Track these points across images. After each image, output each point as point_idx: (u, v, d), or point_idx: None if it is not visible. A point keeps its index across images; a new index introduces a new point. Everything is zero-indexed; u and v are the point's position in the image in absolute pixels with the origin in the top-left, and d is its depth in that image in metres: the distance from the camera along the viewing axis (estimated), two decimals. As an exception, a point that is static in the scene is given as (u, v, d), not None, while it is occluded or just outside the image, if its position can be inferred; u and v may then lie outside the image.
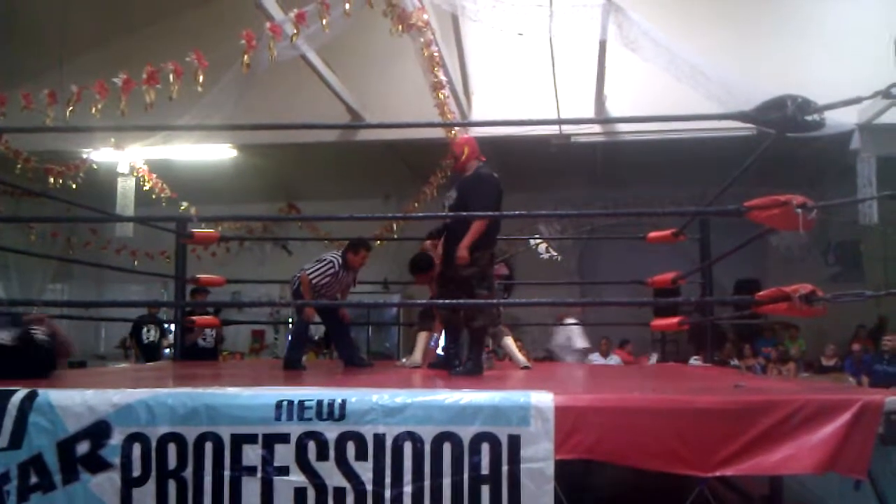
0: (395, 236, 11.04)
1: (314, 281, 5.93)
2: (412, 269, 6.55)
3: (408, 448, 3.00)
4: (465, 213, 5.10)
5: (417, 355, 6.20)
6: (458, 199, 5.32)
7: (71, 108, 6.86)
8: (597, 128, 10.40)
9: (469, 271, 5.08)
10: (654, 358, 11.78)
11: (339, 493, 2.99)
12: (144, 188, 10.59)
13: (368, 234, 10.35)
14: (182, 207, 11.14)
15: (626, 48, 7.74)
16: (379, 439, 3.01)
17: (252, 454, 3.04)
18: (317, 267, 6.04)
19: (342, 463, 3.01)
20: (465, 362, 5.26)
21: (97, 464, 3.08)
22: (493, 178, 5.32)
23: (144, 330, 10.47)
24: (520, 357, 6.09)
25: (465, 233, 5.04)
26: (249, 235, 12.57)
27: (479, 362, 5.14)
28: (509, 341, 6.19)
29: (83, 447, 3.09)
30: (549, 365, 9.75)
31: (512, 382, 4.74)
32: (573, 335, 10.85)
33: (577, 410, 3.01)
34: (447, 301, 5.97)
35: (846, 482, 2.96)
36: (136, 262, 11.98)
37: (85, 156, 10.09)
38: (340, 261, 6.07)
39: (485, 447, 2.98)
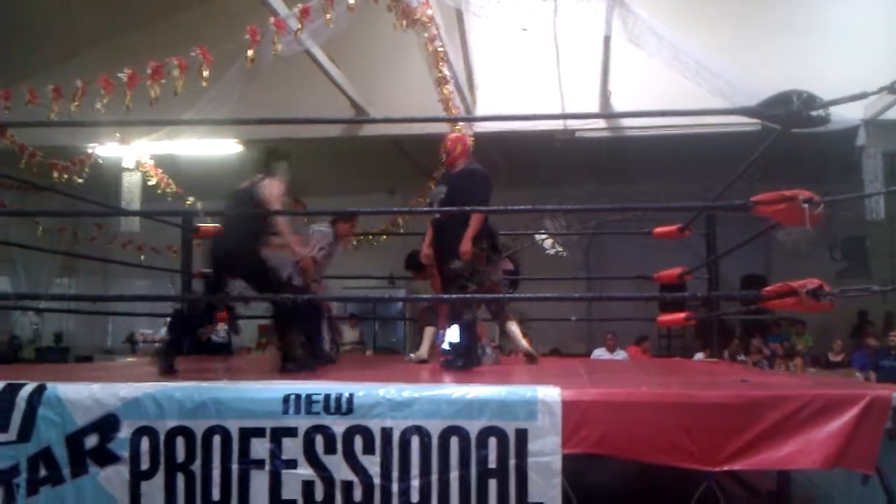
0: (401, 231, 11.03)
1: (317, 256, 5.84)
2: (408, 265, 6.55)
3: (415, 442, 3.01)
4: (468, 208, 5.10)
5: (424, 350, 6.19)
6: (448, 194, 5.33)
7: (76, 102, 6.86)
8: (601, 123, 10.37)
9: (458, 265, 5.09)
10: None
11: (347, 486, 3.00)
12: (150, 183, 10.59)
13: (374, 230, 10.36)
14: (188, 202, 11.14)
15: (630, 44, 7.73)
16: (386, 433, 3.02)
17: (260, 448, 3.05)
18: (313, 244, 5.95)
19: (350, 456, 3.02)
20: (456, 356, 5.22)
21: (106, 457, 3.10)
22: (485, 174, 5.39)
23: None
24: (524, 343, 6.05)
25: (456, 228, 5.07)
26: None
27: (471, 355, 5.13)
28: (514, 327, 6.13)
29: (92, 440, 3.11)
30: (556, 359, 9.75)
31: (519, 377, 4.75)
32: None
33: (585, 405, 3.01)
34: (452, 296, 5.98)
35: (854, 477, 2.96)
36: (142, 257, 11.99)
37: (90, 150, 10.09)
38: (332, 231, 6.05)
39: (492, 441, 2.98)
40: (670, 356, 12.14)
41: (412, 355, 6.34)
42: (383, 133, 10.77)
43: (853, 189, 8.82)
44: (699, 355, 10.47)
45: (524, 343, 6.05)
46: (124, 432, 3.10)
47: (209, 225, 6.66)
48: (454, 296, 5.95)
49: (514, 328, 6.10)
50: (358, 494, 3.00)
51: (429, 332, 6.30)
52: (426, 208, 7.47)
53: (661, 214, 8.08)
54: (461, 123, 9.29)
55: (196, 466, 3.07)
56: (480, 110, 10.31)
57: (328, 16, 6.65)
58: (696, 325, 10.53)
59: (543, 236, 12.19)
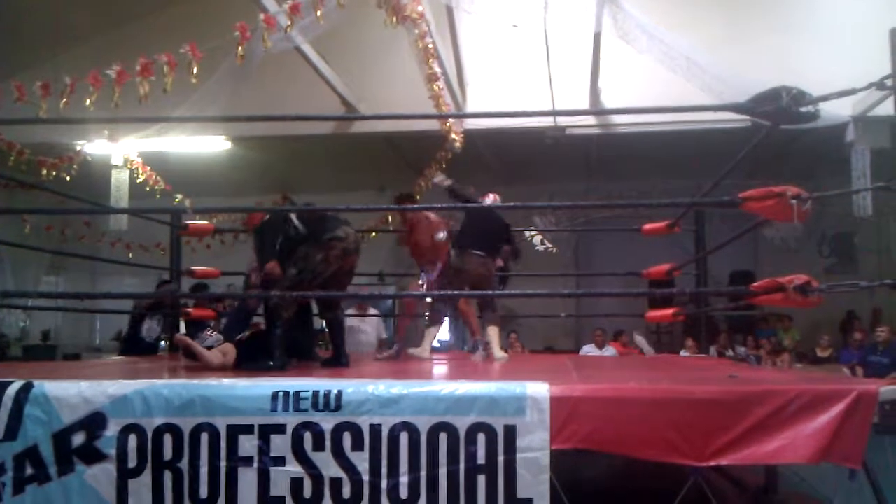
0: (391, 228, 11.03)
1: None
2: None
3: (404, 438, 3.00)
4: (456, 205, 5.07)
5: (426, 348, 6.17)
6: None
7: (65, 99, 6.82)
8: (592, 119, 10.40)
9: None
10: (644, 344, 11.72)
11: (336, 483, 3.00)
12: (138, 180, 10.55)
13: (364, 227, 10.36)
14: (176, 200, 11.11)
15: (620, 40, 7.74)
16: (375, 430, 3.02)
17: (248, 445, 3.04)
18: None
19: (338, 454, 3.01)
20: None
21: (93, 455, 3.08)
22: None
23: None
24: (497, 350, 6.03)
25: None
26: (244, 227, 12.57)
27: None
28: (492, 331, 6.11)
29: (79, 438, 3.09)
30: (545, 356, 9.76)
31: (508, 373, 4.75)
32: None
33: (573, 401, 3.01)
34: (445, 292, 5.97)
35: (841, 472, 2.97)
36: (130, 255, 11.95)
37: (79, 148, 10.05)
38: None
39: (481, 437, 2.98)
40: (659, 352, 12.17)
41: (412, 351, 6.31)
42: (374, 130, 10.75)
43: (842, 185, 8.86)
44: (684, 352, 10.53)
45: (498, 349, 6.01)
46: (112, 430, 3.09)
47: (198, 222, 6.64)
48: (449, 292, 5.96)
49: (491, 332, 6.09)
50: (346, 491, 2.99)
51: (431, 331, 6.28)
52: (418, 205, 7.47)
53: (651, 211, 8.11)
54: (451, 120, 9.30)
55: (184, 464, 3.05)
56: (471, 107, 10.31)
57: (318, 12, 6.63)
58: (684, 320, 10.58)
59: (533, 233, 12.20)
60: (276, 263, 4.81)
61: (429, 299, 6.86)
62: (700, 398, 3.04)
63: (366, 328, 9.07)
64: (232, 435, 3.05)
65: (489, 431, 2.98)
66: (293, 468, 3.02)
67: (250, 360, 4.56)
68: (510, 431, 2.98)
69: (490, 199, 6.35)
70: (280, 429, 3.04)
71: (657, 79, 8.33)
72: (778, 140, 8.76)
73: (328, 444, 3.02)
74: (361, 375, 3.66)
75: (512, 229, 6.47)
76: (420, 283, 6.27)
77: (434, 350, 6.90)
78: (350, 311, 8.82)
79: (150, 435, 3.08)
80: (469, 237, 6.07)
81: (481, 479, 2.96)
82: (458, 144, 9.74)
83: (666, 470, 3.08)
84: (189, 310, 7.30)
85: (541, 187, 13.60)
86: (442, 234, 6.21)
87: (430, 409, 3.03)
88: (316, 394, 3.07)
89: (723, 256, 9.55)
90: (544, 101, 9.56)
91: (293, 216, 4.90)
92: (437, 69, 8.24)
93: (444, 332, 7.82)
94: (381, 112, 9.54)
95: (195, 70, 6.61)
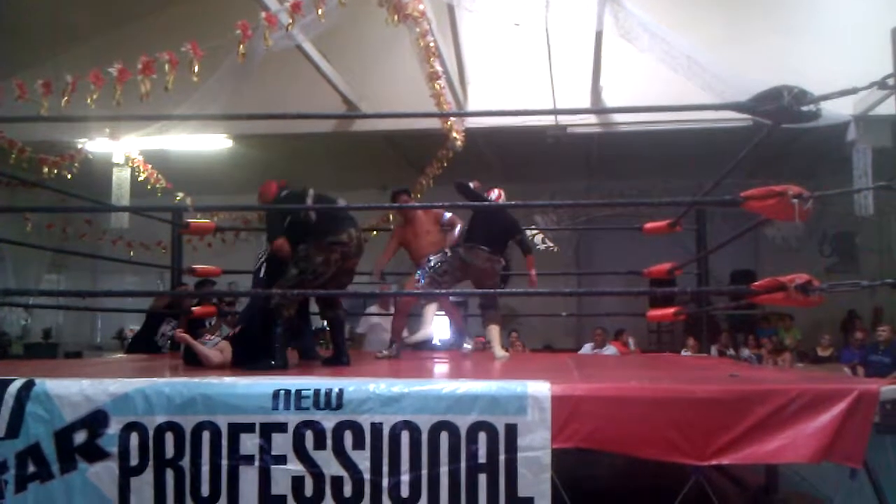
0: (392, 227, 11.03)
1: None
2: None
3: (405, 437, 3.01)
4: (456, 203, 5.05)
5: (419, 335, 6.18)
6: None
7: (66, 97, 6.83)
8: (593, 118, 10.39)
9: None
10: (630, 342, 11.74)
11: (337, 481, 3.00)
12: (140, 179, 10.56)
13: (365, 225, 10.35)
14: (178, 198, 11.11)
15: (622, 39, 7.74)
16: (376, 428, 3.02)
17: (249, 443, 3.05)
18: None
19: (339, 452, 3.01)
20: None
21: (95, 453, 3.09)
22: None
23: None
24: (498, 348, 6.02)
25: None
26: (245, 226, 12.57)
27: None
28: (493, 330, 6.10)
29: (80, 436, 3.10)
30: (546, 355, 9.76)
31: (509, 372, 4.75)
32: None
33: (574, 400, 3.01)
34: (445, 291, 5.97)
35: (842, 471, 2.97)
36: (131, 253, 11.96)
37: (80, 146, 10.05)
38: None
39: (482, 436, 2.98)
40: (660, 351, 12.18)
41: (407, 338, 6.29)
42: (375, 129, 10.75)
43: (843, 184, 8.86)
44: (685, 352, 10.54)
45: (499, 348, 6.01)
46: (113, 428, 3.09)
47: (199, 220, 6.64)
48: (446, 290, 5.97)
49: (492, 330, 6.08)
50: (348, 490, 3.00)
51: (430, 309, 6.30)
52: (417, 204, 7.48)
53: (652, 210, 8.11)
54: (452, 118, 9.30)
55: (185, 462, 3.06)
56: (472, 106, 10.30)
57: (320, 11, 6.63)
58: (685, 320, 10.58)
59: (534, 232, 12.21)
60: (285, 240, 4.82)
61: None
62: (701, 397, 3.04)
63: (387, 326, 9.11)
64: (233, 433, 3.06)
65: (490, 430, 2.99)
66: (294, 467, 3.02)
67: (251, 360, 4.54)
68: (511, 430, 2.98)
69: (495, 193, 6.35)
70: (281, 427, 3.05)
71: (658, 78, 8.33)
72: (779, 139, 8.76)
73: (329, 442, 3.02)
74: (362, 374, 3.66)
75: (522, 228, 6.47)
76: (416, 277, 6.26)
77: (434, 349, 6.90)
78: (372, 310, 8.88)
79: (151, 433, 3.08)
80: (476, 233, 6.07)
81: (482, 478, 2.97)
82: (459, 143, 9.73)
83: (667, 469, 3.08)
84: (193, 308, 7.30)
85: (542, 186, 13.61)
86: (448, 214, 6.23)
87: (432, 407, 3.03)
88: (317, 392, 3.07)
89: (724, 255, 9.58)
90: (545, 99, 9.55)
91: (309, 199, 4.94)
92: (439, 68, 8.24)
93: (445, 331, 7.81)
94: (383, 110, 9.54)
95: (196, 68, 6.61)
